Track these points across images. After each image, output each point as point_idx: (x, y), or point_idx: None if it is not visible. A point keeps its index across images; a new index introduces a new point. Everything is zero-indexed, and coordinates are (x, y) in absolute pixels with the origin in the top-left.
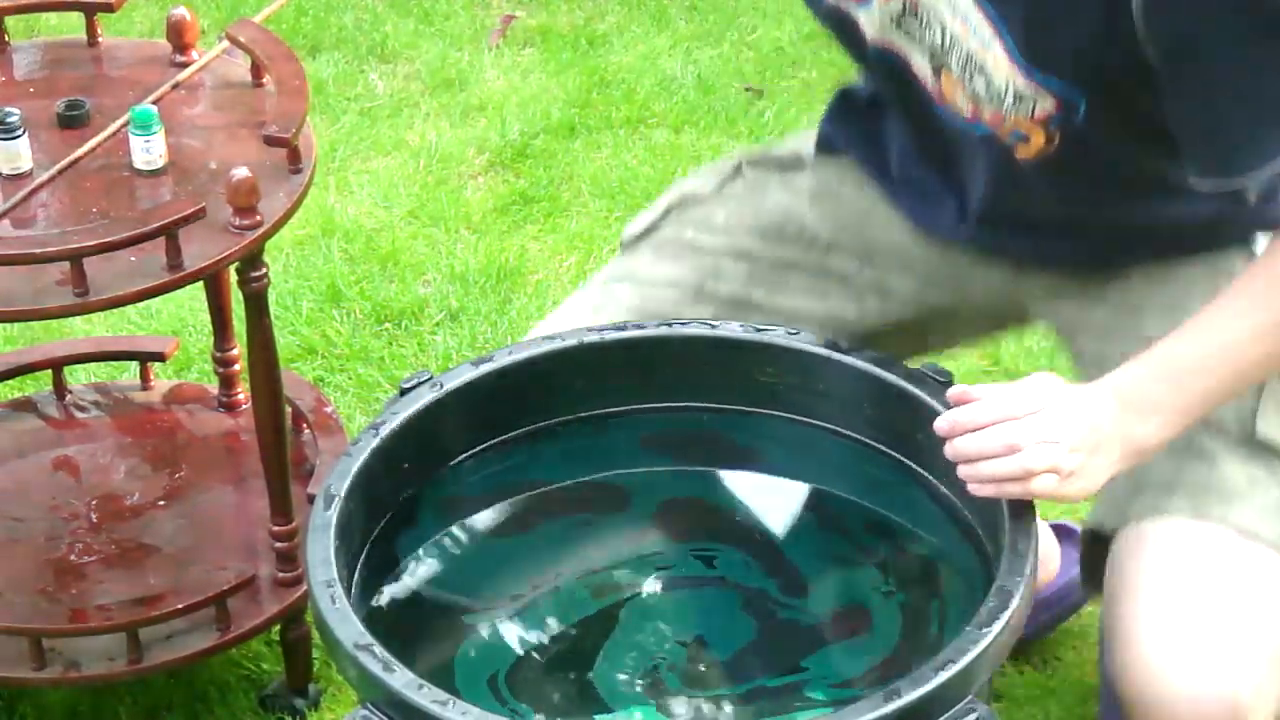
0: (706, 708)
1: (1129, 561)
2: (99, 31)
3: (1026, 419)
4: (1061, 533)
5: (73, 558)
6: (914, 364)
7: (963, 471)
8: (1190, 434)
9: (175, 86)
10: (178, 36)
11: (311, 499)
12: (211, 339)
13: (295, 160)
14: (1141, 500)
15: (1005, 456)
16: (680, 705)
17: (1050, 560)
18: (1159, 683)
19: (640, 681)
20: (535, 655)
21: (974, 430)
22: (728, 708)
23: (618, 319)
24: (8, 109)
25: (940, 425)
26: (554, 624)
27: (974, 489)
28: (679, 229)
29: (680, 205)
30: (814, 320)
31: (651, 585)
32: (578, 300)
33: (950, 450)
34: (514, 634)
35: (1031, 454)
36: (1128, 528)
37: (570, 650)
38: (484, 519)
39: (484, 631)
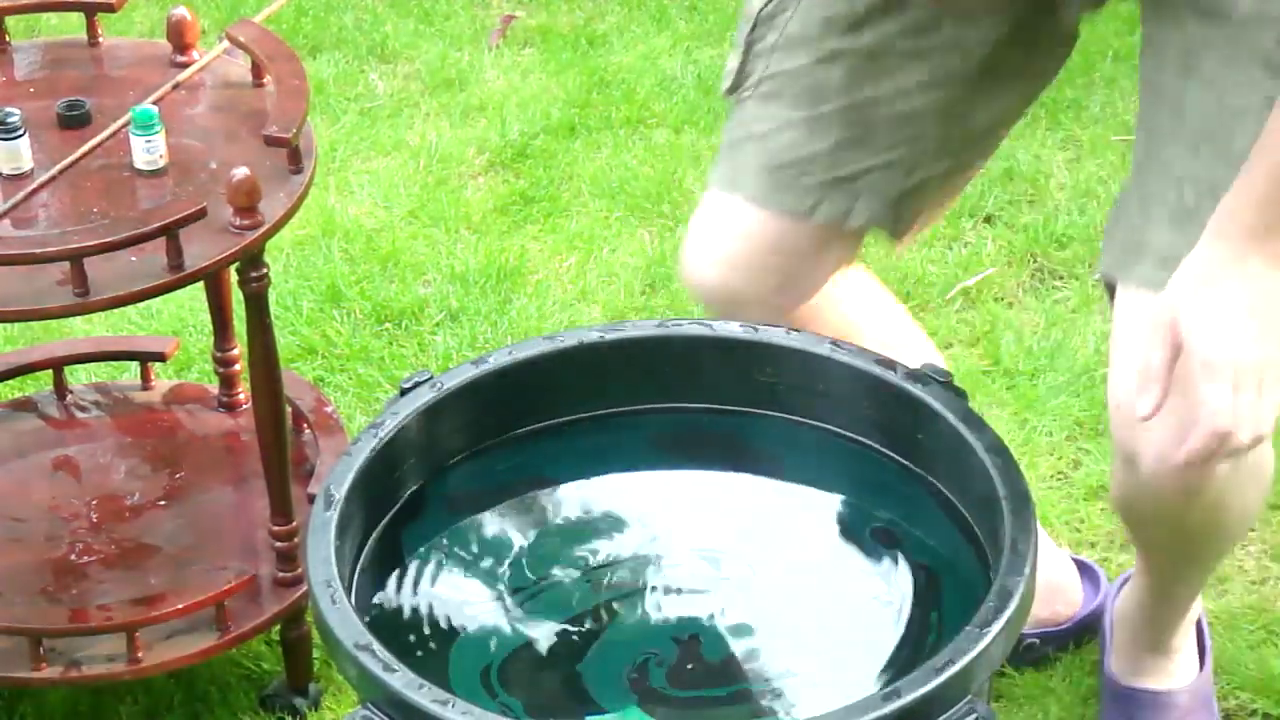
0: (688, 708)
1: (1122, 317)
2: (99, 31)
3: (1213, 394)
4: (1083, 568)
5: (73, 558)
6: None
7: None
8: (1199, 206)
9: (176, 86)
10: (178, 36)
11: (311, 499)
12: (211, 339)
13: (295, 160)
14: (1141, 268)
15: (1237, 443)
16: (663, 704)
17: (1073, 593)
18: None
19: (628, 678)
20: (530, 648)
21: (1232, 439)
22: (711, 709)
23: (754, 185)
24: (8, 109)
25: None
26: (552, 618)
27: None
28: (765, 62)
29: (756, 32)
30: (932, 88)
31: (650, 583)
32: (714, 178)
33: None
34: (511, 627)
35: (1247, 420)
36: (1127, 287)
37: (565, 644)
38: (484, 518)
39: (482, 625)
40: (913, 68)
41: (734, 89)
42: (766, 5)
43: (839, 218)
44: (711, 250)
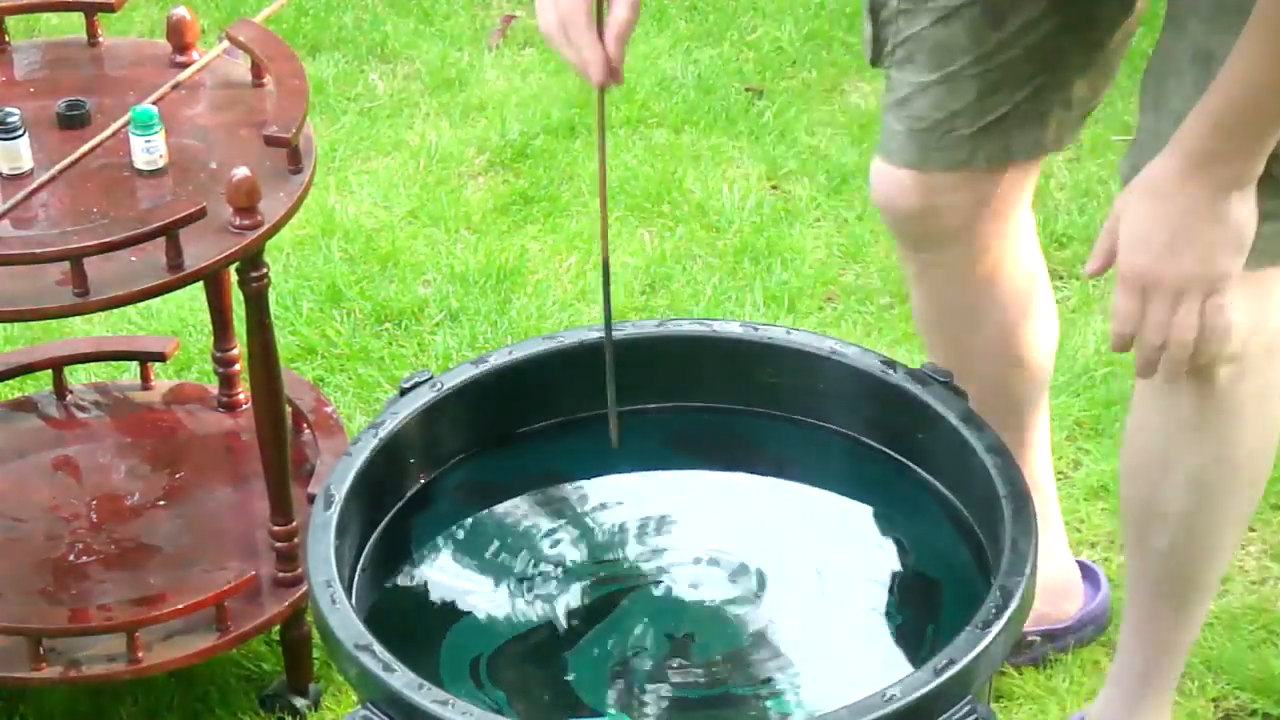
0: (673, 708)
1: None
2: (99, 31)
3: (1121, 300)
4: (1082, 568)
5: (73, 558)
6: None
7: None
8: None
9: (175, 86)
10: (178, 36)
11: (311, 499)
12: (211, 339)
13: (295, 160)
14: None
15: (1181, 344)
16: (645, 702)
17: (1075, 591)
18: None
19: (613, 674)
20: (522, 642)
21: (1154, 345)
22: (685, 710)
23: (906, 151)
24: (8, 109)
25: (1115, 345)
26: (547, 614)
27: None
28: (895, 27)
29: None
30: (1053, 11)
31: (646, 582)
32: (878, 145)
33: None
34: (506, 622)
35: (1153, 328)
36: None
37: (556, 639)
38: (483, 518)
39: (477, 620)
40: (1028, 2)
41: (875, 59)
42: None
43: (998, 158)
44: (892, 208)
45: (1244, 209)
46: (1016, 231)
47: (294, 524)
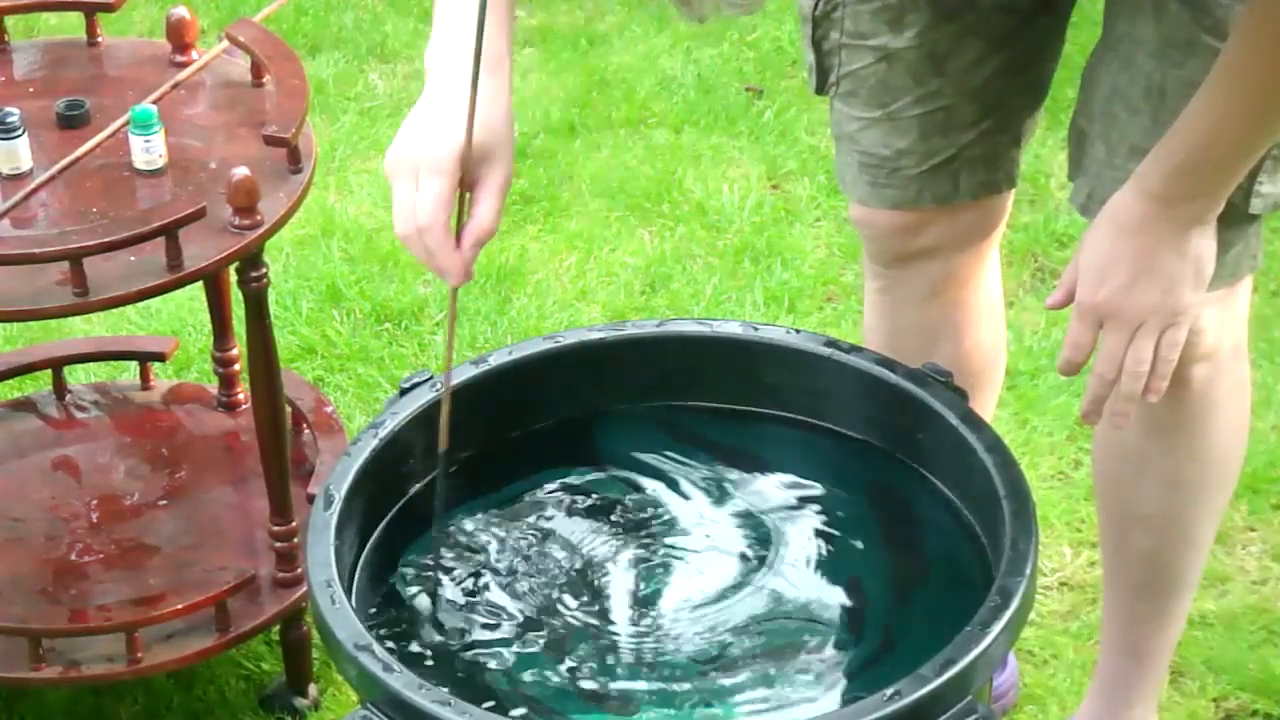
0: (653, 704)
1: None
2: (99, 31)
3: (1074, 329)
4: None
5: (73, 558)
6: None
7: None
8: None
9: (175, 86)
10: (178, 36)
11: (311, 499)
12: (211, 339)
13: (295, 160)
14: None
15: (1134, 375)
16: (632, 699)
17: None
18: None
19: (606, 670)
20: (520, 638)
21: (1106, 379)
22: (678, 708)
23: (858, 186)
24: (8, 109)
25: (1062, 369)
26: (545, 611)
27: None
28: (837, 59)
29: (819, 31)
30: (994, 54)
31: (643, 582)
32: (836, 164)
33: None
34: (505, 619)
35: (1109, 358)
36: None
37: (553, 635)
38: (483, 517)
39: (477, 618)
40: (968, 45)
41: (820, 88)
42: (817, 5)
43: (946, 198)
44: (868, 223)
45: (1205, 243)
46: (985, 259)
47: (294, 524)
